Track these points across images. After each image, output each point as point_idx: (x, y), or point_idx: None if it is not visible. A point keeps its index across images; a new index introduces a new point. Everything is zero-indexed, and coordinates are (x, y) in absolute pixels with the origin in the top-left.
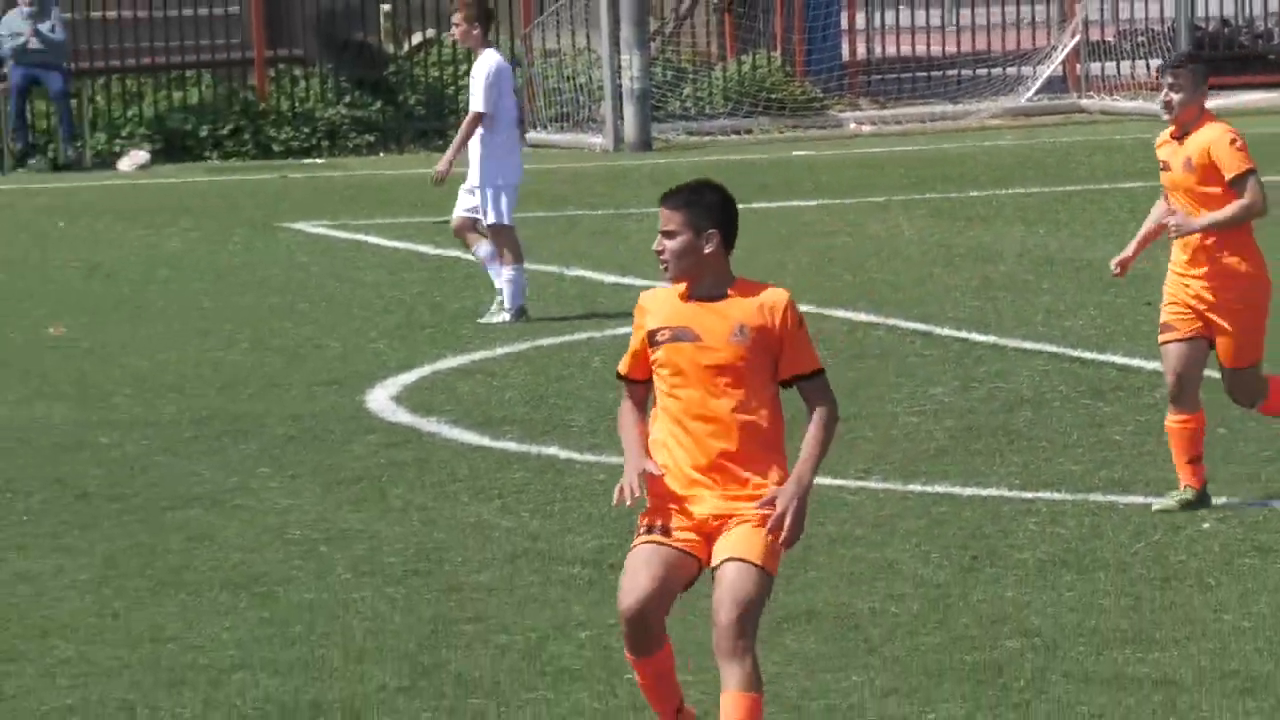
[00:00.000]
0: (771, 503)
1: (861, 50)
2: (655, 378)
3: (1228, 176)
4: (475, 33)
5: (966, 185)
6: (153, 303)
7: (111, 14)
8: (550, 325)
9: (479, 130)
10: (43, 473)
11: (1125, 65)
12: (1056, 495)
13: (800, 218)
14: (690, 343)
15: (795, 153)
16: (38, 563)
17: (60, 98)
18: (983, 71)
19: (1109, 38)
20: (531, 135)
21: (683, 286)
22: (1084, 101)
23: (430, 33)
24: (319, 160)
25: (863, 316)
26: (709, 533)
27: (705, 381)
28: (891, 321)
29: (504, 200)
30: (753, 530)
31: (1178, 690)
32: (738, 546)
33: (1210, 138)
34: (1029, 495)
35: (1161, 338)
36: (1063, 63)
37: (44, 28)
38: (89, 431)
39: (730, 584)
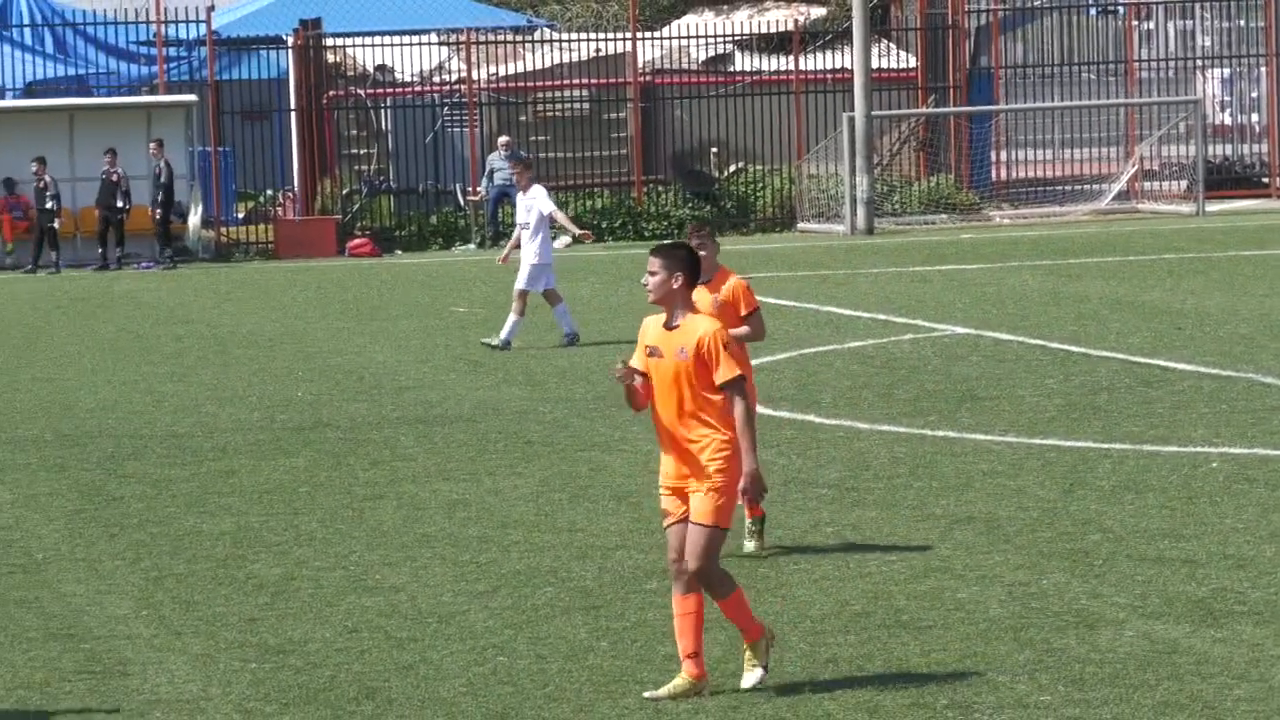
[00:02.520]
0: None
1: (1004, 173)
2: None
3: (744, 312)
4: (529, 175)
5: (1067, 255)
6: None
7: (553, 154)
8: (810, 341)
9: (533, 227)
10: (505, 429)
11: (1165, 184)
12: (1122, 445)
13: (965, 275)
14: (658, 358)
15: (963, 236)
16: (501, 482)
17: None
18: (1078, 187)
19: (1155, 167)
20: (800, 225)
21: (664, 316)
22: (1140, 205)
23: (740, 164)
24: (671, 241)
25: (1004, 335)
26: (682, 488)
27: (665, 385)
28: (1021, 339)
29: (549, 274)
30: (704, 497)
31: (1195, 566)
32: (695, 512)
33: (735, 284)
34: (1105, 445)
35: None
36: (1127, 181)
37: (509, 163)
38: (533, 404)
39: (691, 540)
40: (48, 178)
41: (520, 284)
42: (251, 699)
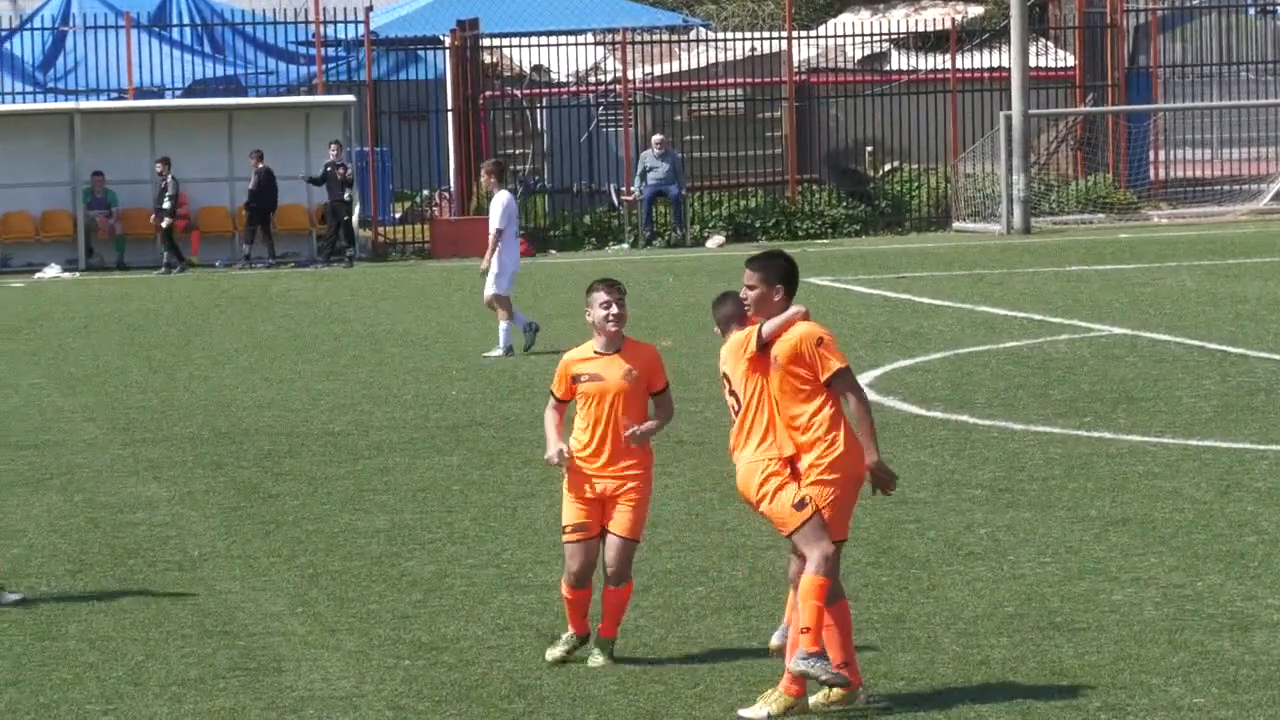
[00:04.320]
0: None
1: (1162, 173)
2: None
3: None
4: (494, 181)
5: (1225, 255)
6: None
7: (708, 154)
8: (965, 340)
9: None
10: None
11: None
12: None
13: (1123, 275)
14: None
15: (1120, 235)
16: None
17: (675, 203)
18: (1237, 187)
19: None
20: (956, 225)
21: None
22: None
23: (895, 163)
24: (825, 240)
25: (1161, 336)
26: None
27: None
28: (1179, 339)
29: (505, 281)
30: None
31: None
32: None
33: (650, 354)
34: (1262, 447)
35: None
36: None
37: (666, 162)
38: (683, 404)
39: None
40: (170, 178)
41: (494, 290)
42: (404, 696)
